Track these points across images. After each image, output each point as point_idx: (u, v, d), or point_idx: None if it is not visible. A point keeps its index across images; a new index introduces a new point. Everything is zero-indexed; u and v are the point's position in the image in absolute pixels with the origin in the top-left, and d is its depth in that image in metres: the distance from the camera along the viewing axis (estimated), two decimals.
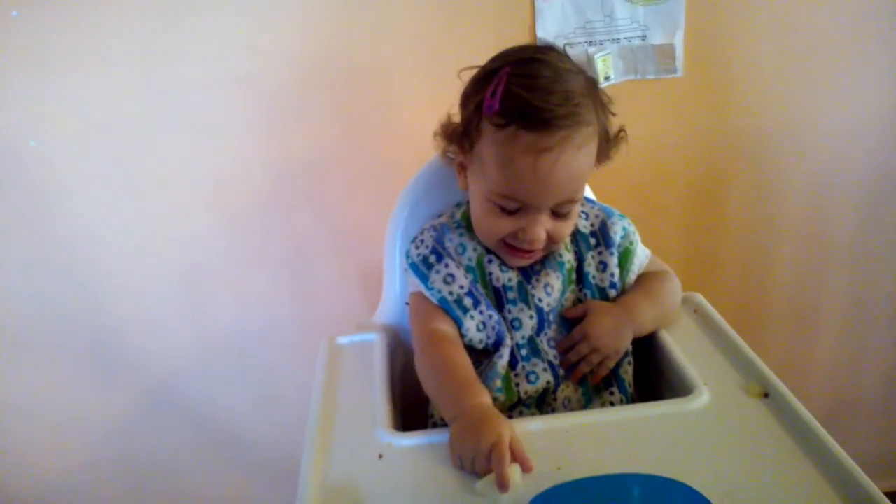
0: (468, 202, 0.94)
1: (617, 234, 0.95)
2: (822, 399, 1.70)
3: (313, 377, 0.93)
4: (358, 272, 1.42)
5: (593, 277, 0.94)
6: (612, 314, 0.91)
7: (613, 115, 0.89)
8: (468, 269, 0.91)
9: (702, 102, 1.38)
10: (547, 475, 0.69)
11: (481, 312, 0.89)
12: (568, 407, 0.90)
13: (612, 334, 0.89)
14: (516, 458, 0.69)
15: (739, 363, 0.87)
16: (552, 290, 0.91)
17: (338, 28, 1.23)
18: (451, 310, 0.89)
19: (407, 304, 0.97)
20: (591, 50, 1.30)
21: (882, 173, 1.47)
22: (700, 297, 1.02)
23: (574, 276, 0.94)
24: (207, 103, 1.25)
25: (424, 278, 0.91)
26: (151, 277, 1.36)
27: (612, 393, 0.91)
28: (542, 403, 0.90)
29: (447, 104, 0.91)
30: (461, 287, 0.90)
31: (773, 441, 0.74)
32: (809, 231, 1.52)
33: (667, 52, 1.32)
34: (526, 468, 0.69)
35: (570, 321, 0.92)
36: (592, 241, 0.95)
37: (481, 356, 0.91)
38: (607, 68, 1.32)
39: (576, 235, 0.95)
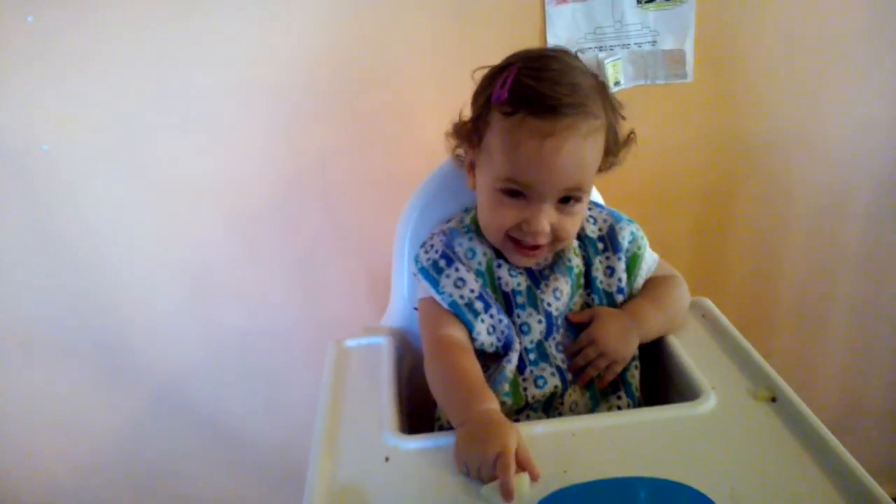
0: (476, 208, 0.94)
1: (625, 239, 0.95)
2: (830, 404, 1.69)
3: (321, 380, 0.93)
4: (366, 275, 1.43)
5: (601, 282, 0.94)
6: (618, 319, 0.91)
7: (623, 118, 0.89)
8: (478, 274, 0.91)
9: (712, 107, 1.37)
10: (554, 478, 0.69)
11: (492, 316, 0.89)
12: (575, 411, 0.90)
13: (619, 339, 0.89)
14: (523, 465, 0.69)
15: (747, 367, 0.86)
16: (561, 295, 0.91)
17: (350, 33, 1.24)
18: (461, 314, 0.89)
19: (415, 309, 0.97)
20: (602, 55, 1.30)
21: (893, 178, 1.46)
22: (708, 302, 1.02)
23: (582, 281, 0.94)
24: (218, 107, 1.25)
25: (435, 283, 0.91)
26: (160, 280, 1.36)
27: (619, 397, 0.91)
28: (550, 407, 0.90)
29: (458, 109, 0.92)
30: (472, 291, 0.90)
31: (780, 445, 0.73)
32: (818, 235, 1.52)
33: (677, 57, 1.32)
34: (532, 476, 0.69)
35: (578, 326, 0.92)
36: (600, 245, 0.95)
37: (489, 360, 0.91)
38: (617, 73, 1.32)
39: (584, 240, 0.95)
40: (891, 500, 0.64)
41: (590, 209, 0.97)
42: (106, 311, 1.37)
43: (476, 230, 0.94)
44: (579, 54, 1.08)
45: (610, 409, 0.90)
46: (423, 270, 0.92)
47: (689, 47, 1.31)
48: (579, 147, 0.81)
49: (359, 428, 0.82)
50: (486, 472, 0.69)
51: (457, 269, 0.91)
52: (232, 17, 1.19)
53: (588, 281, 0.94)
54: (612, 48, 1.31)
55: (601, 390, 0.91)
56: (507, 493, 0.66)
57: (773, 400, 0.80)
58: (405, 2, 1.23)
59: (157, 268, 1.35)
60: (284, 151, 1.30)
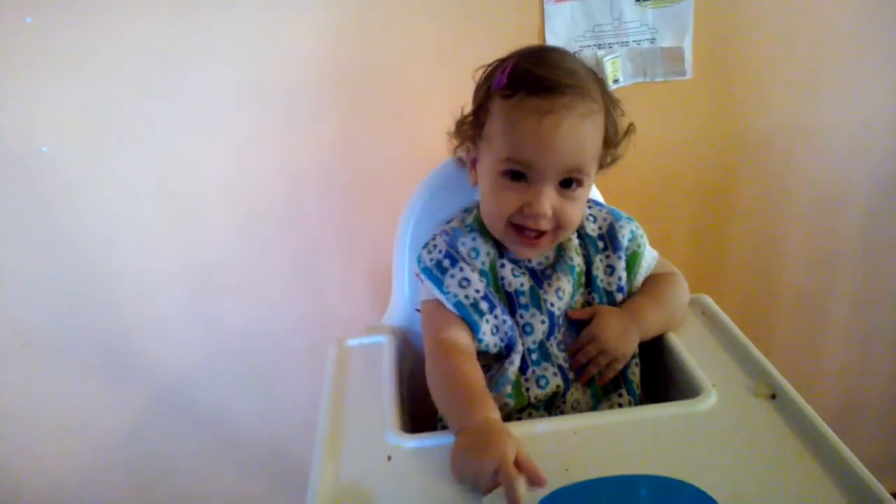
0: (478, 207, 0.94)
1: (625, 238, 0.95)
2: (830, 400, 1.70)
3: (322, 379, 0.93)
4: (367, 274, 1.43)
5: (601, 281, 0.94)
6: (618, 317, 0.91)
7: (622, 112, 0.90)
8: (481, 273, 0.91)
9: (710, 104, 1.38)
10: (555, 476, 0.69)
11: (496, 317, 0.89)
12: (577, 409, 0.90)
13: (619, 337, 0.89)
14: (526, 472, 0.67)
15: (747, 364, 0.87)
16: (563, 295, 0.91)
17: (350, 32, 1.24)
18: (467, 314, 0.88)
19: (417, 310, 0.96)
20: (601, 53, 1.31)
21: (892, 174, 1.47)
22: (708, 299, 1.02)
23: (583, 280, 0.94)
24: (218, 107, 1.25)
25: (439, 283, 0.90)
26: (160, 280, 1.36)
27: (620, 395, 0.91)
28: (552, 406, 0.90)
29: (457, 107, 0.93)
30: (477, 291, 0.89)
31: (780, 442, 0.74)
32: (818, 232, 1.52)
33: (676, 54, 1.32)
34: (538, 482, 0.67)
35: (579, 324, 0.92)
36: (600, 244, 0.95)
37: (491, 361, 0.91)
38: (616, 71, 1.32)
39: (584, 239, 0.95)
40: (890, 496, 0.64)
41: (589, 207, 0.97)
42: (107, 312, 1.37)
43: (479, 228, 0.93)
44: (577, 52, 1.09)
45: (611, 406, 0.90)
46: (426, 270, 0.92)
47: (687, 44, 1.31)
48: (577, 126, 0.82)
49: (361, 427, 0.82)
50: (484, 483, 0.68)
51: (461, 269, 0.90)
52: (232, 17, 1.19)
53: (589, 280, 0.94)
54: (610, 46, 1.31)
55: (602, 388, 0.91)
56: (513, 501, 0.64)
57: (773, 397, 0.80)
58: (405, 1, 1.23)
59: (158, 268, 1.35)
60: (285, 152, 1.30)
